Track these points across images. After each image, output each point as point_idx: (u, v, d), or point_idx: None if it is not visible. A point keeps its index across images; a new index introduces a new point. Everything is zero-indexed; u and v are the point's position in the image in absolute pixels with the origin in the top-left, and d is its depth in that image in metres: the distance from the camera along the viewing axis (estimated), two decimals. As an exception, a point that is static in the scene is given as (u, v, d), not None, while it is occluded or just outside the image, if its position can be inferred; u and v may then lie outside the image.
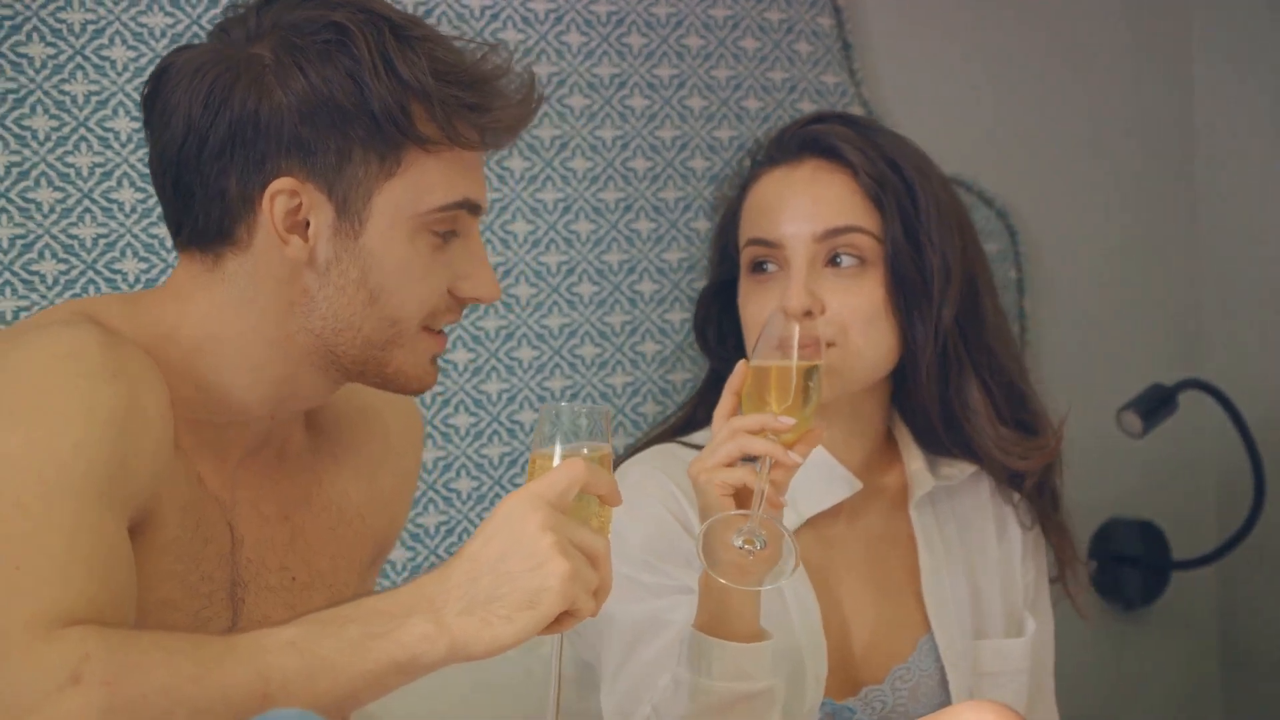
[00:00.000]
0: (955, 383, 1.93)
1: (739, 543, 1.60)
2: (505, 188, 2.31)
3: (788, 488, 1.63)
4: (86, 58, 2.05)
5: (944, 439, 1.96)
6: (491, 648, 1.37)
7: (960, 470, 1.99)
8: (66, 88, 2.04)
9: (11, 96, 2.01)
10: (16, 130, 2.01)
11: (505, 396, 2.28)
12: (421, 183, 1.50)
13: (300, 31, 1.48)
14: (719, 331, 2.06)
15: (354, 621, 1.37)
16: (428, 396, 2.23)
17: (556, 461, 1.45)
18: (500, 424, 2.27)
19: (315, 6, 1.50)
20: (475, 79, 1.51)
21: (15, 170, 2.00)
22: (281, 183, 1.48)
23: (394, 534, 1.75)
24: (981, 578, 1.99)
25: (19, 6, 2.02)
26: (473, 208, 1.55)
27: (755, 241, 1.93)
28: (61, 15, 2.04)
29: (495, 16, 2.33)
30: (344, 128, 1.47)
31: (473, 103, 1.50)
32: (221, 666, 1.32)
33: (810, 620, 1.87)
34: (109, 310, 1.53)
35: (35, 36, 2.02)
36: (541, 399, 2.31)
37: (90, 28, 2.05)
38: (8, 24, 2.01)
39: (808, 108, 2.54)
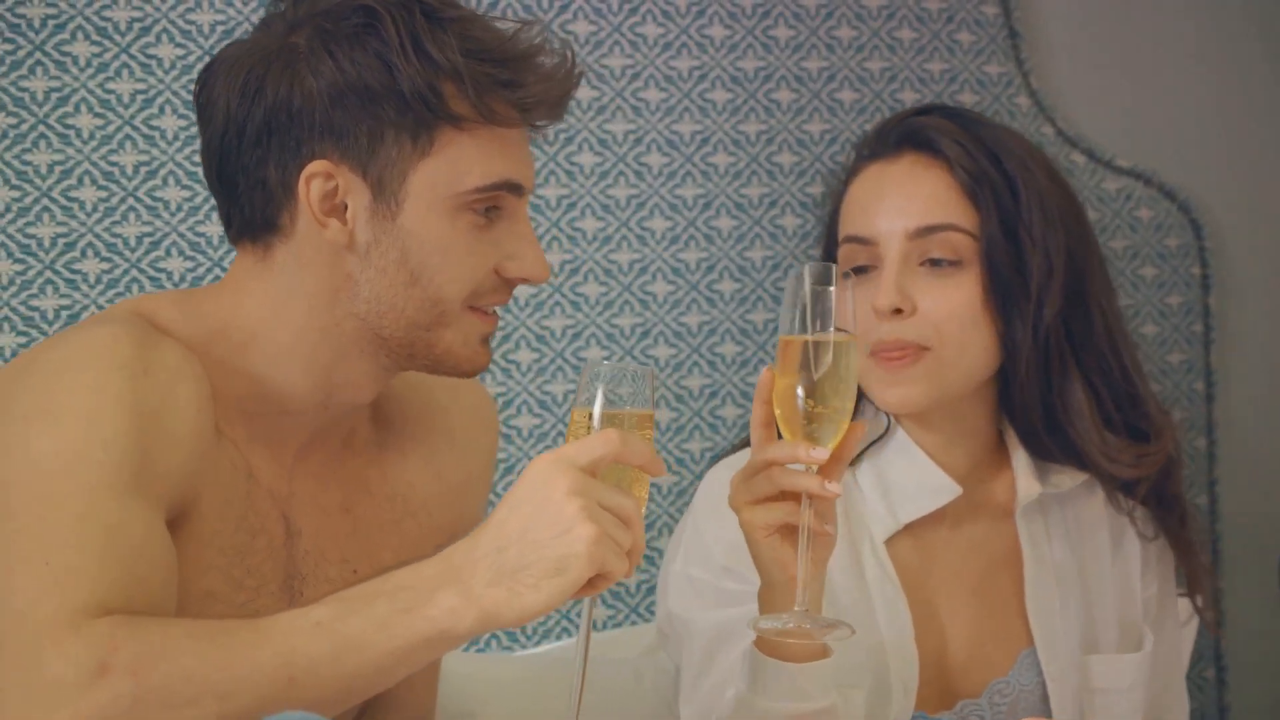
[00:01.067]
0: (1058, 384, 1.83)
1: (790, 625, 1.53)
2: (643, 184, 2.28)
3: (834, 516, 1.55)
4: (133, 56, 2.07)
5: (1049, 444, 1.86)
6: (521, 617, 1.35)
7: (1071, 478, 1.89)
8: (112, 86, 2.06)
9: (55, 95, 2.03)
10: (60, 130, 2.03)
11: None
12: (458, 162, 1.50)
13: (332, 18, 1.50)
14: (821, 329, 1.98)
15: (382, 596, 1.36)
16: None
17: (596, 419, 1.42)
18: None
19: None
20: (508, 56, 1.50)
21: (59, 169, 2.03)
22: (316, 165, 1.49)
23: (463, 530, 1.72)
24: (1094, 589, 1.88)
25: (64, 5, 2.04)
26: (514, 188, 1.53)
27: (851, 239, 1.86)
28: (107, 14, 2.06)
29: (634, 10, 2.30)
30: (374, 109, 1.48)
31: (506, 79, 1.49)
32: (246, 652, 1.32)
33: (900, 628, 1.79)
34: (161, 308, 1.55)
35: (80, 35, 2.05)
36: (680, 398, 2.28)
37: (137, 25, 2.07)
38: (53, 23, 2.04)
39: (968, 100, 2.45)
